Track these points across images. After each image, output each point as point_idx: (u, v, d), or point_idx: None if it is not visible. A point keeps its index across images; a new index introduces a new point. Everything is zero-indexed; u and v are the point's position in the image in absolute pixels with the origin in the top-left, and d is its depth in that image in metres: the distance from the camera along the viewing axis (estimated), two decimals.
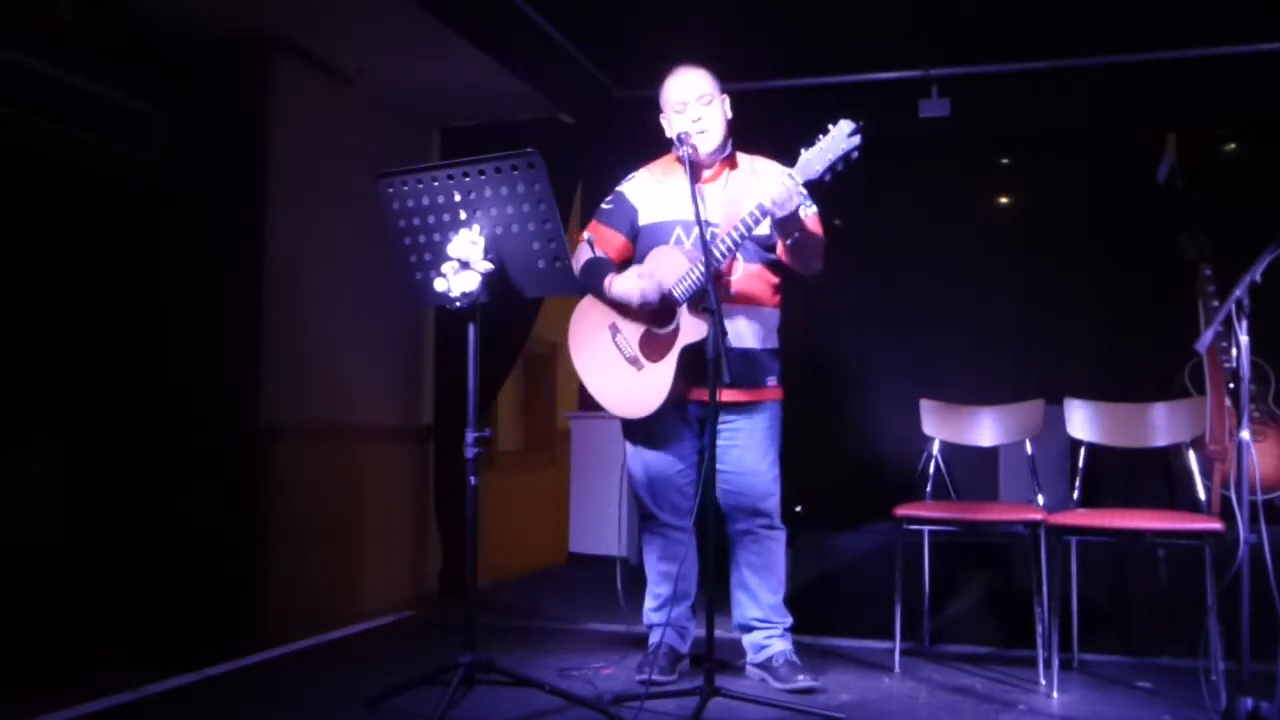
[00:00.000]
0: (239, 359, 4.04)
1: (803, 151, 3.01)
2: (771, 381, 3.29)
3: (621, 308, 3.21)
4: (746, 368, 3.16)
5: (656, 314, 3.16)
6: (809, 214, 3.20)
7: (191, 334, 4.06)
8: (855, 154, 2.97)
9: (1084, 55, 4.57)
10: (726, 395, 3.13)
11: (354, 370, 4.61)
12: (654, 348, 3.18)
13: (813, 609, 3.82)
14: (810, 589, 4.08)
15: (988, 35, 4.53)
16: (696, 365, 3.12)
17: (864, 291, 5.19)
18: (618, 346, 3.23)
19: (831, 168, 2.98)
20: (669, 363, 3.14)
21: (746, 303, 3.21)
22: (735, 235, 3.05)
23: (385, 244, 2.97)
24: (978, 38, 4.56)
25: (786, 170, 3.03)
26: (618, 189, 3.37)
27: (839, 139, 2.96)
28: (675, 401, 3.17)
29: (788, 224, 3.05)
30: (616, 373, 3.23)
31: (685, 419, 3.27)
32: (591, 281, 3.20)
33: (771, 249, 3.25)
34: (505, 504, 5.61)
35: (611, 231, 3.32)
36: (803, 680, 3.18)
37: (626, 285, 3.15)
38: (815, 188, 3.07)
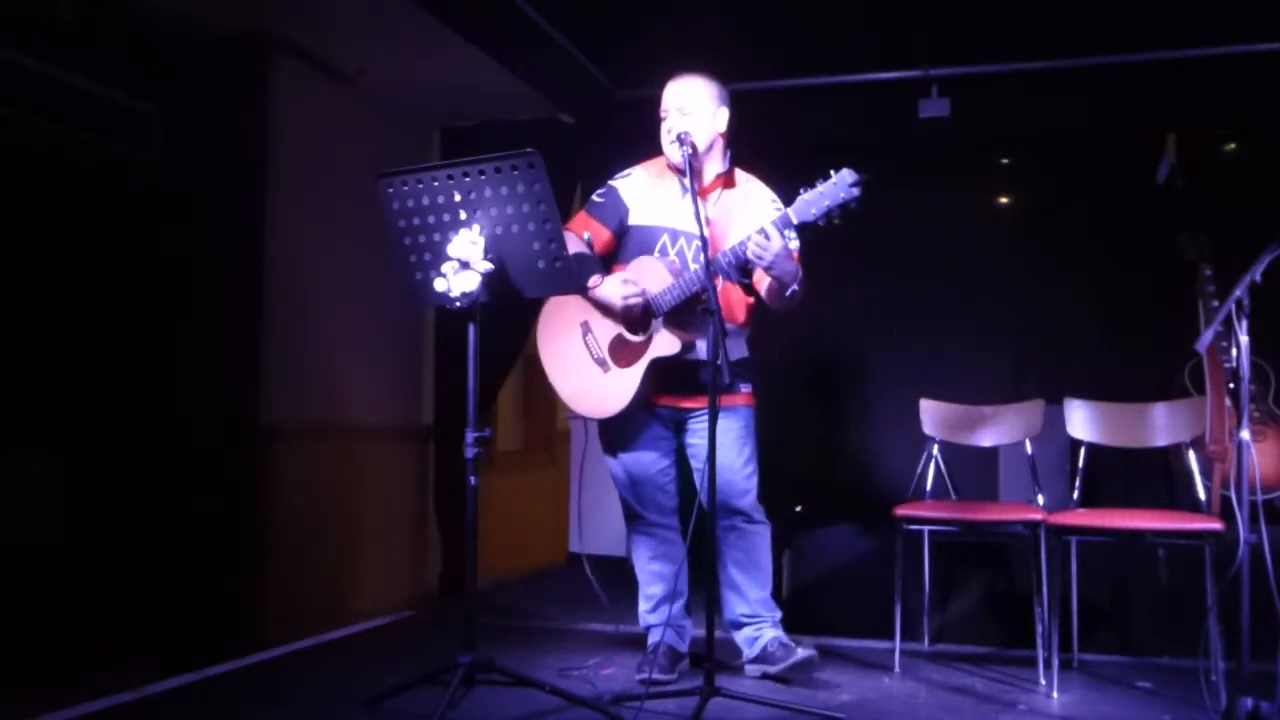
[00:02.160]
0: (239, 359, 4.04)
1: (801, 192, 2.98)
2: (744, 389, 3.29)
3: (598, 308, 3.21)
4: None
5: (632, 320, 3.17)
6: (793, 246, 3.17)
7: (191, 334, 4.06)
8: (854, 205, 2.92)
9: (1084, 55, 4.56)
10: (700, 403, 3.17)
11: (354, 370, 4.61)
12: (623, 354, 3.18)
13: (813, 609, 3.82)
14: (811, 589, 4.08)
15: (988, 35, 4.52)
16: (663, 376, 3.14)
17: (864, 291, 5.18)
18: (587, 345, 3.23)
19: (827, 213, 2.93)
20: (636, 371, 3.14)
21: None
22: (722, 261, 3.05)
23: (385, 244, 2.97)
24: (978, 38, 4.55)
25: (774, 206, 3.02)
26: (611, 183, 3.36)
27: (840, 186, 2.92)
28: (640, 405, 3.19)
29: (784, 274, 3.03)
30: (581, 370, 3.23)
31: (660, 419, 3.29)
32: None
33: (749, 274, 3.23)
34: (505, 504, 5.61)
35: (599, 225, 3.32)
36: (801, 653, 3.17)
37: (610, 291, 3.14)
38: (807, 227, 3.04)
